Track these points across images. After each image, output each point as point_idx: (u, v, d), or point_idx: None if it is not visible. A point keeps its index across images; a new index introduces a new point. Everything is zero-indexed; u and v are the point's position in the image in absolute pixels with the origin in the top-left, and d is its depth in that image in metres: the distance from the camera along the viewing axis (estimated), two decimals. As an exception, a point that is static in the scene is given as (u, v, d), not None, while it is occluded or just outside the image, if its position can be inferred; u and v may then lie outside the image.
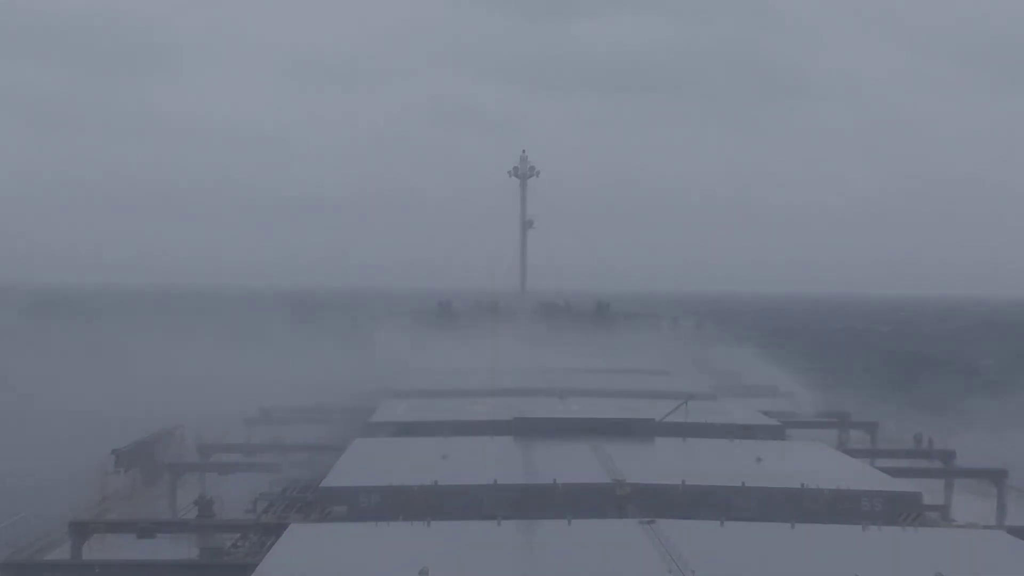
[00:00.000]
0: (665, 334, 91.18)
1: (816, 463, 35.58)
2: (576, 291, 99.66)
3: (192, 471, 41.41)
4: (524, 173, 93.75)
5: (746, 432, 41.46)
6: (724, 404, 49.17)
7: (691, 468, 32.80)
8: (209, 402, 53.75)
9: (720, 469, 33.49)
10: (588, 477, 32.31)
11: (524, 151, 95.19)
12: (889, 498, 30.80)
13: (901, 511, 30.18)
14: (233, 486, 39.87)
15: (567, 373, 59.32)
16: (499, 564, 25.13)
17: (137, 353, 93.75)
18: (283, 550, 25.62)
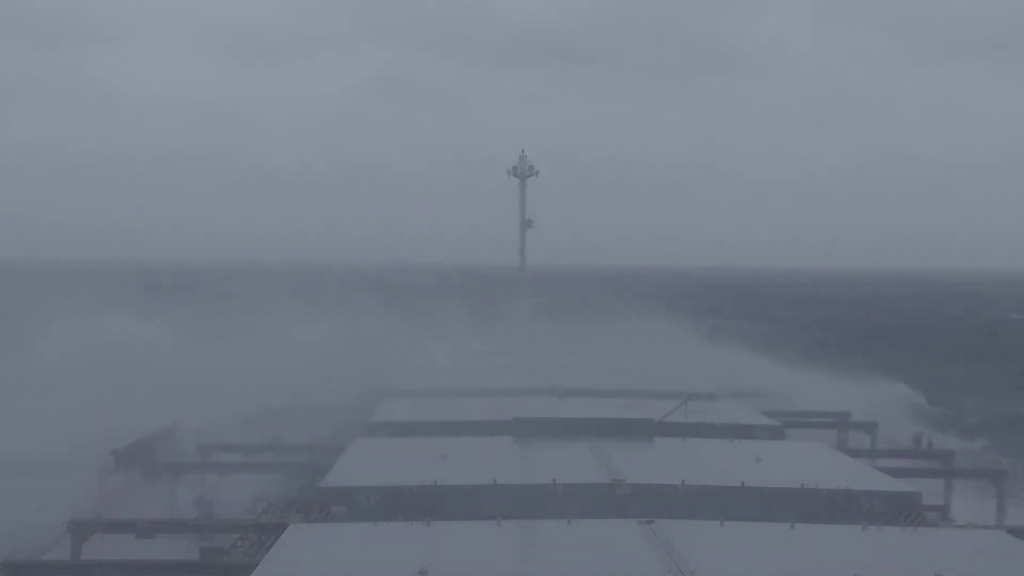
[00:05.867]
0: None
1: (816, 463, 35.62)
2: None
3: (191, 471, 41.37)
4: (523, 172, 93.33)
5: (746, 432, 41.49)
6: (724, 404, 49.18)
7: (691, 468, 32.84)
8: None
9: (720, 469, 33.54)
10: (588, 477, 32.34)
11: (523, 151, 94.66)
12: (889, 498, 30.84)
13: (901, 511, 30.21)
14: (233, 486, 39.84)
15: (567, 373, 59.24)
16: (499, 564, 25.16)
17: None
18: (283, 550, 25.65)
